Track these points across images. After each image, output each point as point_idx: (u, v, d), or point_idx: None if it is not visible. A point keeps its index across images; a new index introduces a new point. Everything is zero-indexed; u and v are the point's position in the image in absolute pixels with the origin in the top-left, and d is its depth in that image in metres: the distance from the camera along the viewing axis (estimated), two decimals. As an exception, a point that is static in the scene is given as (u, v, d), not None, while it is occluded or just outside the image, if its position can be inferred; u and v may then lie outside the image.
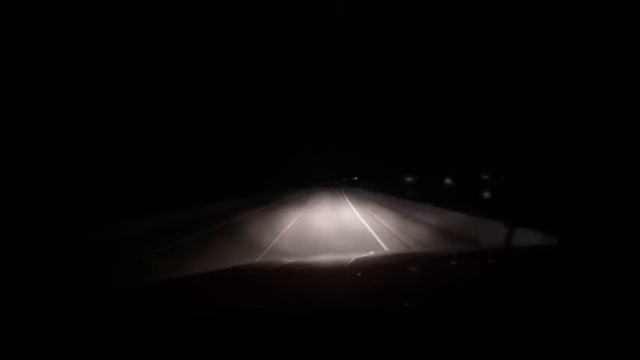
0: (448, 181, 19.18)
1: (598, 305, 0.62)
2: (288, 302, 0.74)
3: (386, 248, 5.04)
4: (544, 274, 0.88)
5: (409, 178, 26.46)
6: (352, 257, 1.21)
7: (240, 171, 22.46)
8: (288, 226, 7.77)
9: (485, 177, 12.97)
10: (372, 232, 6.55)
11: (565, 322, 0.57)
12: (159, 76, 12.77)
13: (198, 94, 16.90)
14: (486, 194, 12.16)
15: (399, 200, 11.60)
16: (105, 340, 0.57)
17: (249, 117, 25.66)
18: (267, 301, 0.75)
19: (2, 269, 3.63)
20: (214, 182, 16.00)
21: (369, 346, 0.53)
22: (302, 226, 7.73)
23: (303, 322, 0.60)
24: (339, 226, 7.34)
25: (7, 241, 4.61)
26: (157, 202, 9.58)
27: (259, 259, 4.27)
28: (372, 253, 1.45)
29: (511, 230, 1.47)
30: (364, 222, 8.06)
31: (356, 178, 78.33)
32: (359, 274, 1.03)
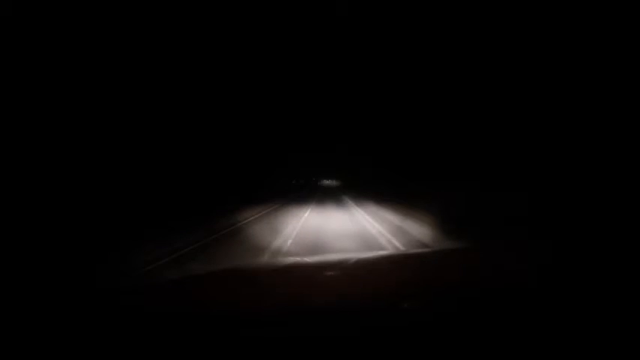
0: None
1: (596, 304, 0.62)
2: (288, 302, 0.74)
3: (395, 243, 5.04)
4: (545, 274, 0.87)
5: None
6: (353, 257, 1.20)
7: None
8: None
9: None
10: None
11: (566, 322, 0.57)
12: (157, 75, 12.76)
13: (196, 92, 16.83)
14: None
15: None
16: (103, 339, 0.56)
17: (247, 116, 25.36)
18: (267, 302, 0.75)
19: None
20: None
21: (369, 347, 0.53)
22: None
23: (303, 323, 0.60)
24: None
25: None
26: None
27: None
28: (373, 253, 1.45)
29: None
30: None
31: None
32: (360, 274, 1.03)
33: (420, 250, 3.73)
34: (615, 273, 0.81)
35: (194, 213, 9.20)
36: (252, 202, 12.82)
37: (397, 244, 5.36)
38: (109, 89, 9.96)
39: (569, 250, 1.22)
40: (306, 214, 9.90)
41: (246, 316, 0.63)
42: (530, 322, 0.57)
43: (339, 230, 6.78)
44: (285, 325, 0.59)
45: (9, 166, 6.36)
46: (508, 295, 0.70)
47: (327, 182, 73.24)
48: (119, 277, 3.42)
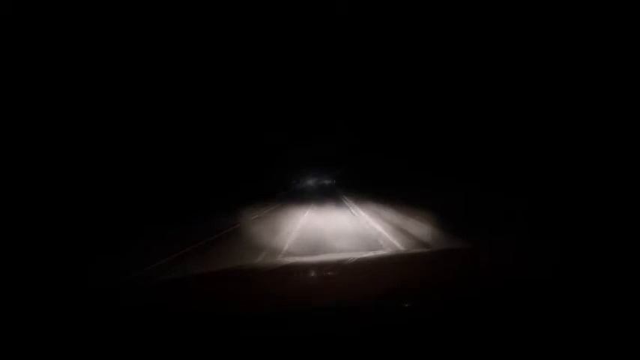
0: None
1: (598, 306, 0.61)
2: (288, 302, 0.74)
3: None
4: (544, 274, 0.87)
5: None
6: (353, 257, 1.20)
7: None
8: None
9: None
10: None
11: (565, 322, 0.57)
12: (158, 75, 12.75)
13: (197, 93, 16.80)
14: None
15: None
16: (104, 339, 0.56)
17: (248, 116, 25.28)
18: (267, 302, 0.74)
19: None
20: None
21: (369, 347, 0.53)
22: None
23: (302, 323, 0.60)
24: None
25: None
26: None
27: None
28: (373, 252, 1.45)
29: None
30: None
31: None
32: (360, 274, 1.03)
33: (419, 250, 3.72)
34: (616, 274, 0.81)
35: (194, 212, 9.23)
36: (254, 201, 12.88)
37: (396, 243, 5.35)
38: (109, 88, 9.96)
39: (570, 250, 1.22)
40: (306, 214, 9.98)
41: (246, 316, 0.63)
42: (530, 322, 0.57)
43: (339, 229, 6.78)
44: (285, 325, 0.59)
45: (9, 166, 6.35)
46: (508, 295, 0.70)
47: (327, 182, 73.85)
48: (119, 277, 3.42)
